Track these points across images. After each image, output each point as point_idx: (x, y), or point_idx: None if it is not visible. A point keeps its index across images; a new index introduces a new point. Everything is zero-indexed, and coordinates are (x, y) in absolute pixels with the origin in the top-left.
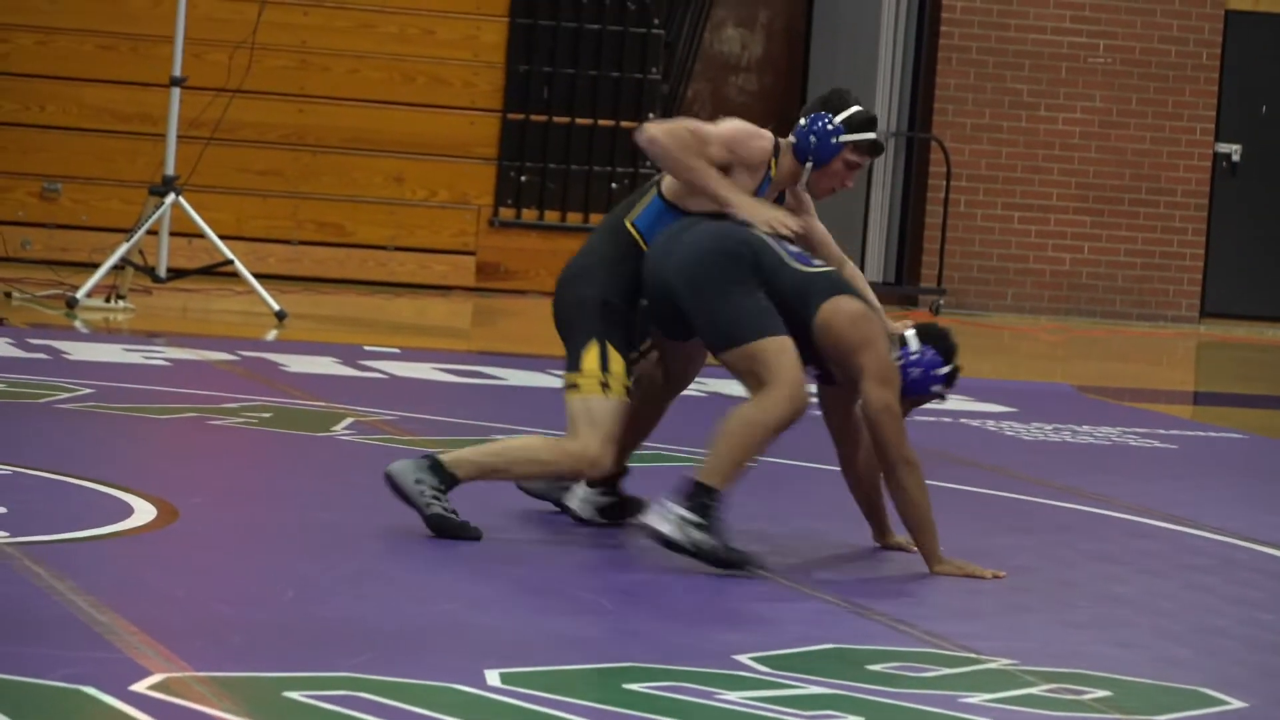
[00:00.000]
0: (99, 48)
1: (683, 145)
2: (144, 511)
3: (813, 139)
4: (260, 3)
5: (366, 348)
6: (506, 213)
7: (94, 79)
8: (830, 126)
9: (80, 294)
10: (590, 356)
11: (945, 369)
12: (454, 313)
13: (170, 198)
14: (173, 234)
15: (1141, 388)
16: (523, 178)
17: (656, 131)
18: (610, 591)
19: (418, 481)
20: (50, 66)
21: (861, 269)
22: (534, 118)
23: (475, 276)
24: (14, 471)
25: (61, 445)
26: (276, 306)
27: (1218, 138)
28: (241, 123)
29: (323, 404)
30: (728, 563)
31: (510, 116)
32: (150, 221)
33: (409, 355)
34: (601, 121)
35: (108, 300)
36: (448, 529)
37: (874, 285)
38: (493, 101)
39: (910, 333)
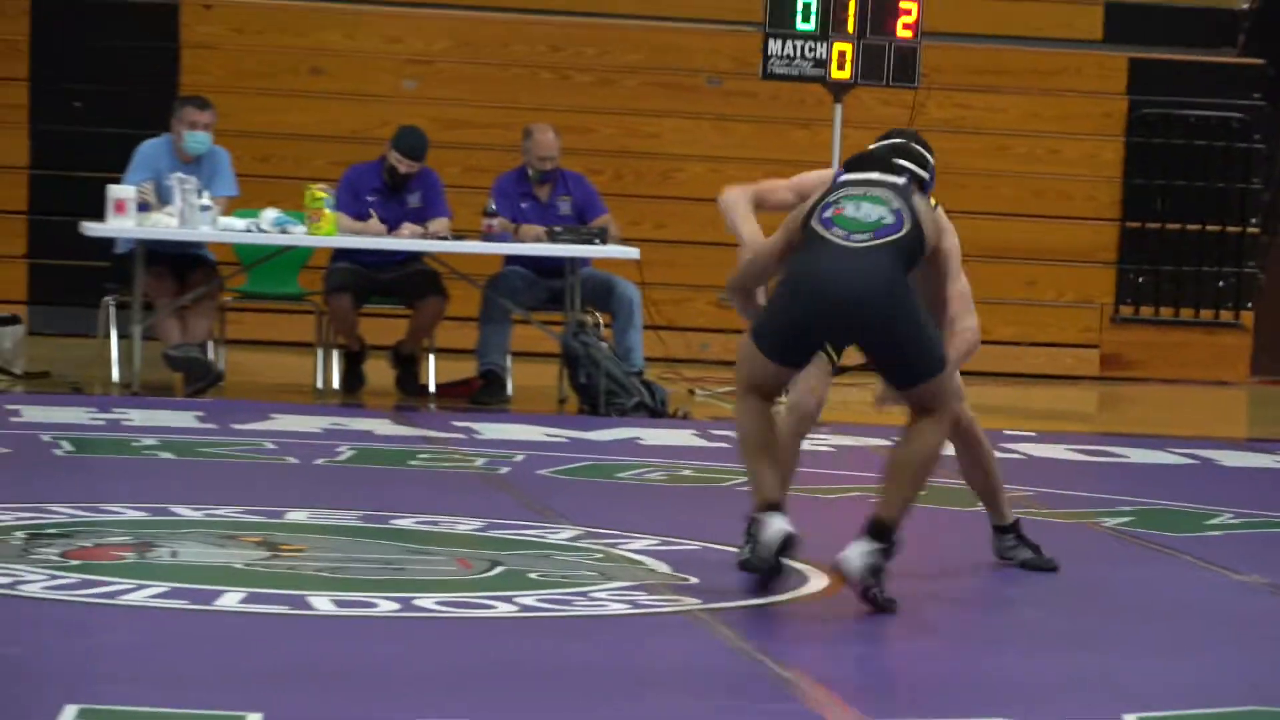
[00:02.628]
0: (766, 174)
1: (737, 195)
2: (817, 580)
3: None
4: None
5: (1006, 431)
6: (1126, 310)
7: None
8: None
9: None
10: None
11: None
12: (1081, 399)
13: None
14: None
15: None
16: (1140, 278)
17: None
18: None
19: None
20: (719, 192)
21: None
22: (1149, 225)
23: (1099, 367)
24: (704, 546)
25: (745, 523)
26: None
27: None
28: None
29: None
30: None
31: (1128, 224)
32: None
33: (1043, 437)
34: (1209, 227)
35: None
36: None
37: None
38: (1112, 212)
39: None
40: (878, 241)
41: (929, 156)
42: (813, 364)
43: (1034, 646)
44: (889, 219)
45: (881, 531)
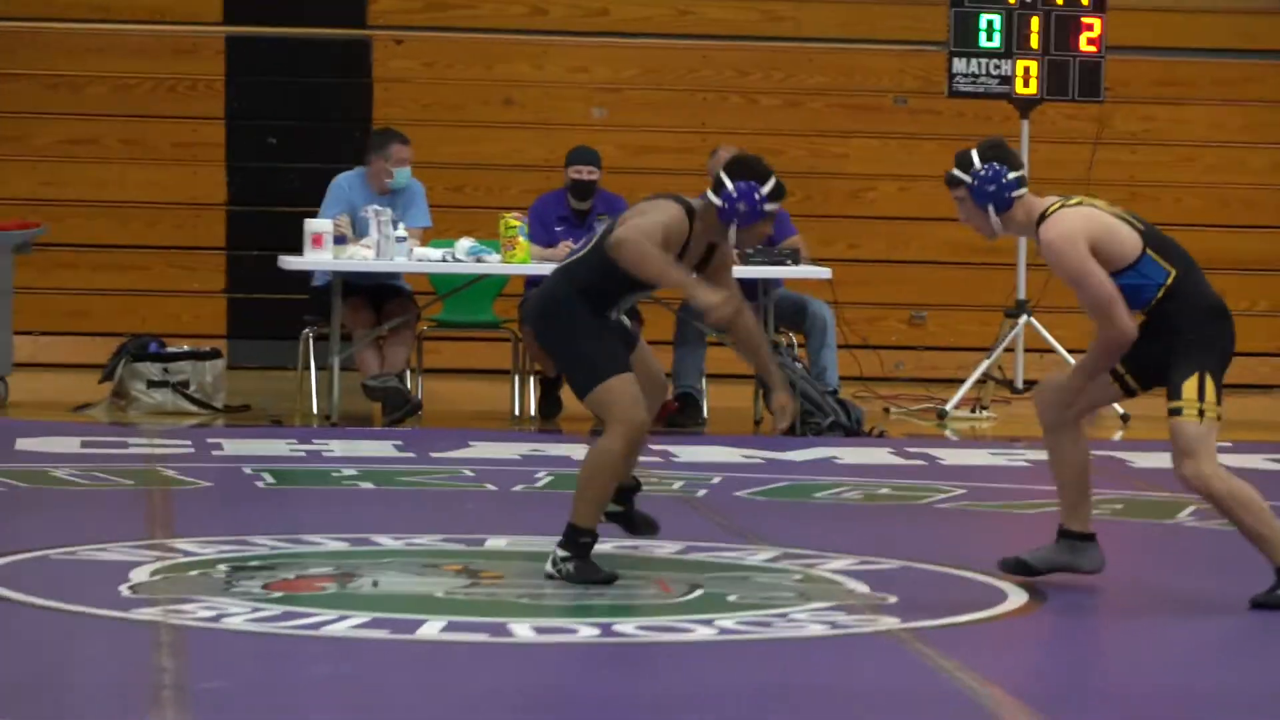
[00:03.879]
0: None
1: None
2: (1016, 596)
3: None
4: (1093, 144)
5: None
6: None
7: (950, 218)
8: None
9: (949, 406)
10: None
11: (765, 187)
12: (1276, 409)
13: (1023, 319)
14: (1026, 350)
15: None
16: None
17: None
18: None
19: None
20: (912, 209)
21: None
22: None
23: None
24: (902, 565)
25: (943, 540)
26: (1121, 410)
27: None
28: None
29: (1168, 495)
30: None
31: None
32: (1006, 340)
33: (1239, 448)
34: None
35: (973, 411)
36: None
37: None
38: None
39: (721, 175)
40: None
41: (975, 161)
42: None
43: (1238, 658)
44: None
45: (570, 534)
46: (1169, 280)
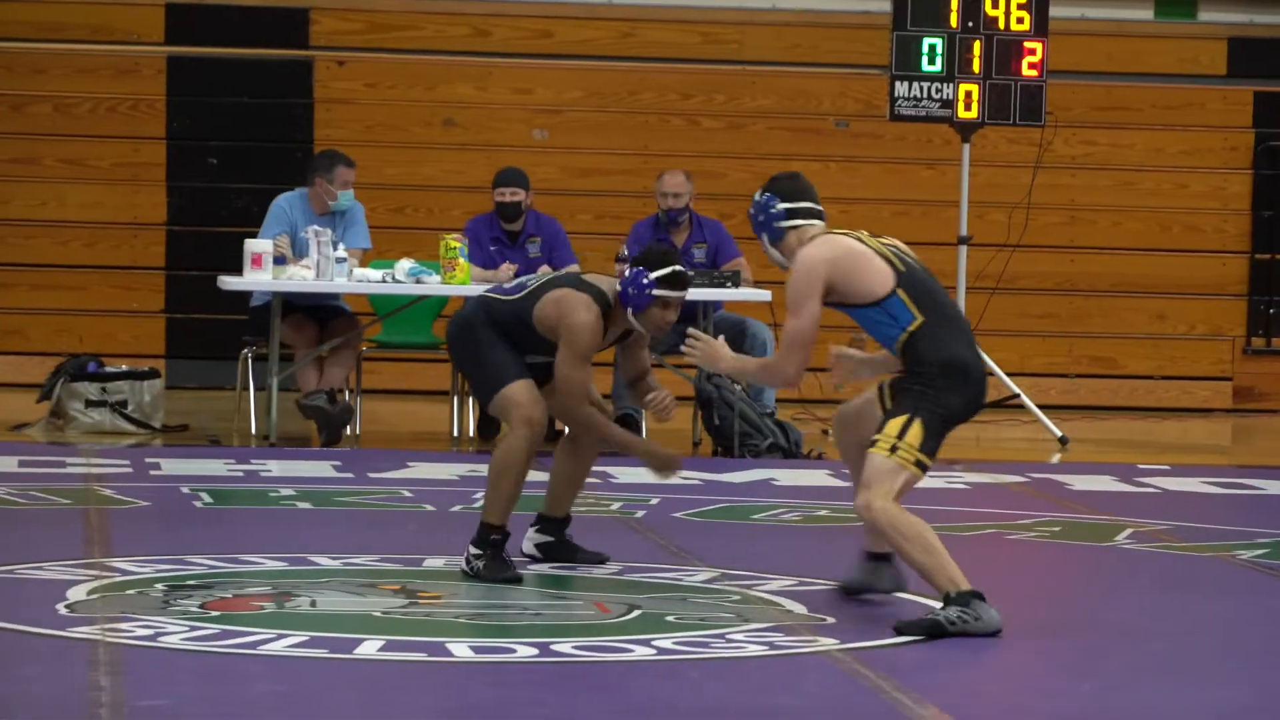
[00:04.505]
0: (894, 214)
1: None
2: None
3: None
4: (1034, 168)
5: (1140, 465)
6: (1258, 341)
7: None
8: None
9: None
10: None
11: (657, 273)
12: (1215, 432)
13: None
14: None
15: None
16: (1271, 310)
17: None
18: None
19: None
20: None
21: None
22: (1277, 256)
23: (1232, 399)
24: (833, 585)
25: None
26: (1059, 433)
27: None
28: (1021, 273)
29: (1105, 517)
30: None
31: (1258, 256)
32: None
33: (1178, 471)
34: None
35: None
36: None
37: None
38: (1241, 244)
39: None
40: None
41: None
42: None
43: (1172, 680)
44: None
45: (481, 531)
46: (912, 326)
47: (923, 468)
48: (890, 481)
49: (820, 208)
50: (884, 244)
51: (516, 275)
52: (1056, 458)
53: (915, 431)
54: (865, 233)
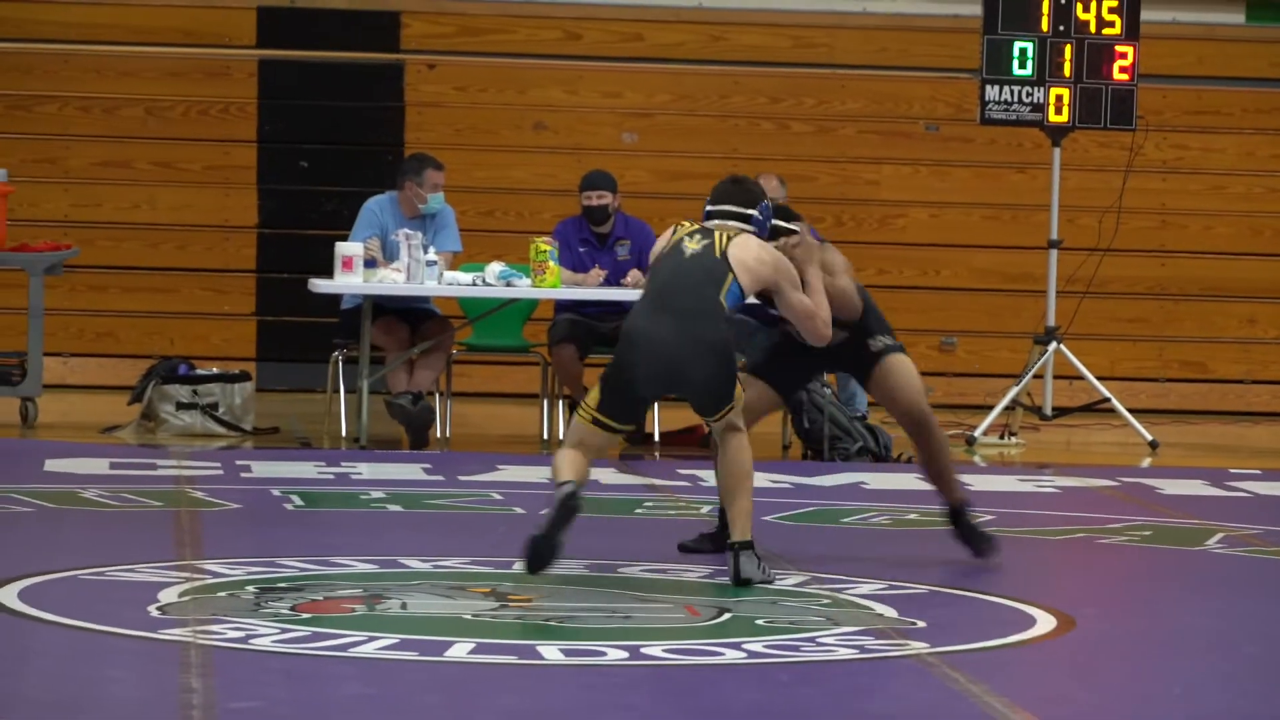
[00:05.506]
0: (984, 218)
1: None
2: (1044, 622)
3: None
4: (1125, 172)
5: (1231, 470)
6: None
7: (981, 245)
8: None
9: (978, 433)
10: None
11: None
12: None
13: (1052, 345)
14: (1055, 377)
15: None
16: None
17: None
18: None
19: None
20: (943, 236)
21: None
22: None
23: None
24: (930, 590)
25: (971, 565)
26: (1149, 437)
27: None
28: (1111, 277)
29: (1196, 521)
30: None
31: None
32: (1035, 367)
33: (1269, 475)
34: None
35: (1001, 437)
36: None
37: None
38: None
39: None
40: None
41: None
42: None
43: (1263, 686)
44: None
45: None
46: None
47: (598, 424)
48: (572, 435)
49: (714, 207)
50: (691, 229)
51: (606, 279)
52: (1147, 462)
53: (593, 393)
54: (688, 222)
